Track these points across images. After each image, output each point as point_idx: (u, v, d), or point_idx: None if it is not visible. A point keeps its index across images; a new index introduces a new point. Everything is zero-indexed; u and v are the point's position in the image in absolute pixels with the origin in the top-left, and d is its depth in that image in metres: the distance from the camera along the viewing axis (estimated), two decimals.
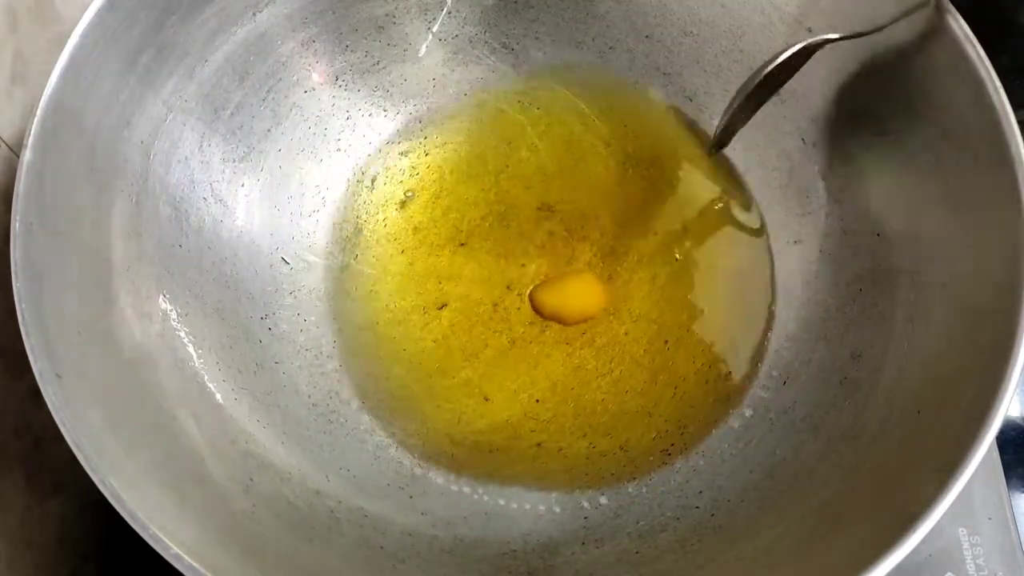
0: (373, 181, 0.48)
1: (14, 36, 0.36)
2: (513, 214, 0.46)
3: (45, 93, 0.33)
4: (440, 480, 0.41)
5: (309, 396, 0.42)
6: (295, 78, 0.45)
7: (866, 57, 0.38)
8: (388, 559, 0.35)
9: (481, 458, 0.41)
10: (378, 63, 0.47)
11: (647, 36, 0.46)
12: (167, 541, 0.27)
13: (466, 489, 0.40)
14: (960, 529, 0.40)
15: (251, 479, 0.35)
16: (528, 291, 0.44)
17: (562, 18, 0.47)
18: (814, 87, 0.41)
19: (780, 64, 0.37)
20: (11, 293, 0.30)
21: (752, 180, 0.45)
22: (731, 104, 0.40)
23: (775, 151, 0.44)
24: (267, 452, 0.37)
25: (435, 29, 0.47)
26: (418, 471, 0.41)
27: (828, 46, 0.38)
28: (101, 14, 0.34)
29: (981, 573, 0.39)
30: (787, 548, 0.32)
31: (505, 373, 0.43)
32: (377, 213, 0.47)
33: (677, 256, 0.45)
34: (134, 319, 0.35)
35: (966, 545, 0.40)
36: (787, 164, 0.44)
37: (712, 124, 0.46)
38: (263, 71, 0.43)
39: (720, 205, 0.45)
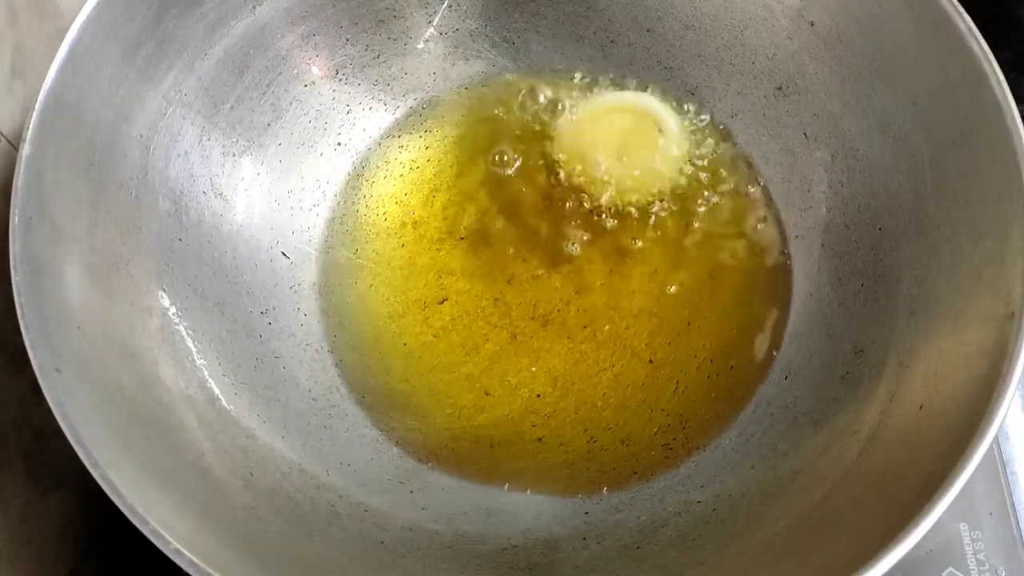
0: (373, 175, 0.48)
1: (13, 30, 0.36)
2: (514, 208, 0.46)
3: (44, 87, 0.32)
4: (441, 475, 0.41)
5: (309, 391, 0.42)
6: (295, 72, 0.45)
7: (868, 52, 0.38)
8: (389, 554, 0.35)
9: (482, 453, 0.41)
10: (378, 57, 0.47)
11: (648, 30, 0.46)
12: (167, 536, 0.27)
13: (467, 484, 0.40)
14: (961, 524, 0.40)
15: (251, 474, 0.35)
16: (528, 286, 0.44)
17: (563, 12, 0.47)
18: (816, 82, 0.41)
19: None
20: (11, 287, 0.30)
21: (754, 174, 0.45)
22: None
23: (777, 146, 0.44)
24: (267, 447, 0.37)
25: (435, 23, 0.47)
26: (418, 466, 0.41)
27: (831, 42, 0.38)
28: (100, 7, 0.34)
29: (982, 568, 0.39)
30: (788, 543, 0.32)
31: (506, 368, 0.43)
32: (377, 207, 0.47)
33: (679, 251, 0.44)
34: (134, 313, 0.35)
35: (967, 540, 0.40)
36: (789, 159, 0.44)
37: (715, 118, 0.46)
38: (263, 65, 0.43)
39: (723, 200, 0.45)
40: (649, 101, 0.47)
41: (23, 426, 0.36)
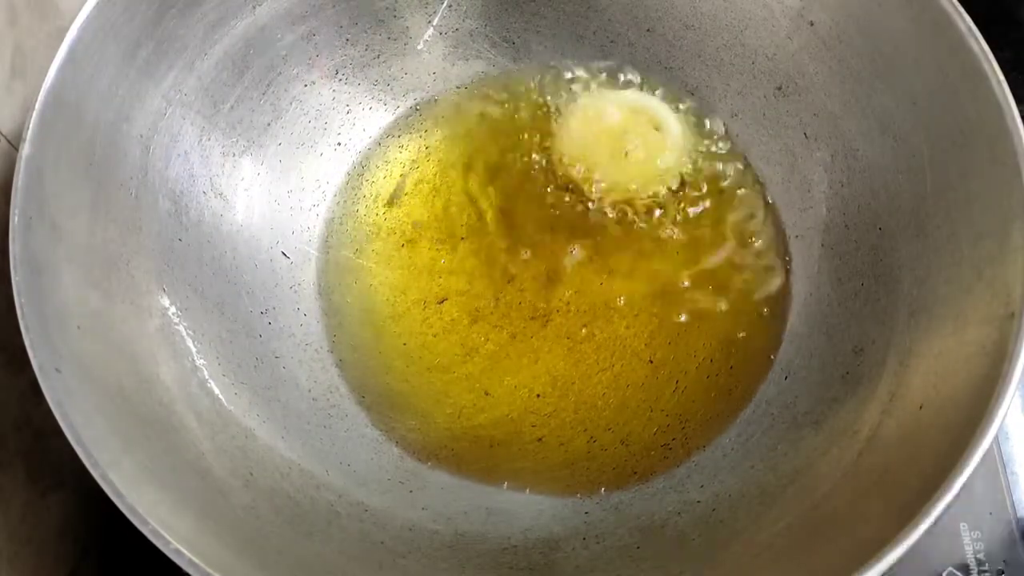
0: (373, 175, 0.48)
1: (13, 30, 0.36)
2: (514, 208, 0.46)
3: (44, 87, 0.32)
4: (440, 475, 0.41)
5: (309, 391, 0.42)
6: (295, 72, 0.45)
7: (868, 52, 0.38)
8: (388, 554, 0.35)
9: (481, 453, 0.41)
10: (378, 57, 0.47)
11: (648, 30, 0.46)
12: (167, 536, 0.27)
13: (466, 484, 0.40)
14: (961, 524, 0.40)
15: (251, 474, 0.35)
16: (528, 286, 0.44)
17: (563, 12, 0.47)
18: (816, 82, 0.41)
19: None
20: (11, 287, 0.30)
21: (754, 174, 0.45)
22: None
23: (777, 146, 0.44)
24: (267, 447, 0.37)
25: (435, 23, 0.47)
26: (418, 466, 0.41)
27: (831, 42, 0.38)
28: (100, 7, 0.34)
29: (982, 568, 0.39)
30: (788, 543, 0.32)
31: (506, 367, 0.43)
32: (377, 207, 0.47)
33: (679, 251, 0.44)
34: (134, 313, 0.35)
35: (967, 540, 0.40)
36: (789, 159, 0.44)
37: (714, 118, 0.46)
38: (263, 65, 0.43)
39: (723, 200, 0.45)
40: (649, 101, 0.47)
41: (23, 426, 0.36)
